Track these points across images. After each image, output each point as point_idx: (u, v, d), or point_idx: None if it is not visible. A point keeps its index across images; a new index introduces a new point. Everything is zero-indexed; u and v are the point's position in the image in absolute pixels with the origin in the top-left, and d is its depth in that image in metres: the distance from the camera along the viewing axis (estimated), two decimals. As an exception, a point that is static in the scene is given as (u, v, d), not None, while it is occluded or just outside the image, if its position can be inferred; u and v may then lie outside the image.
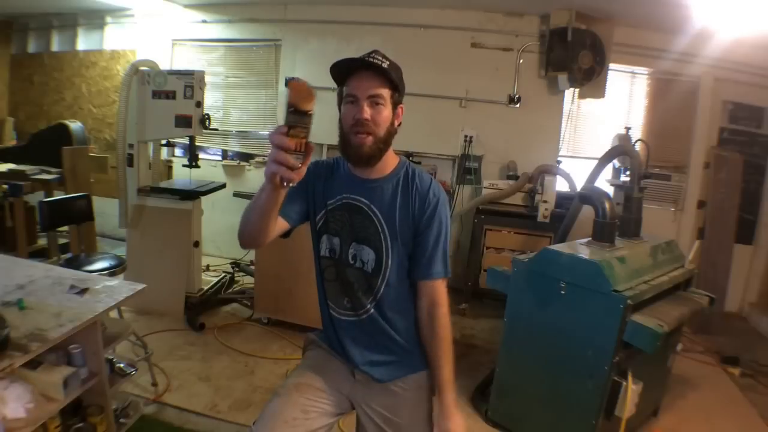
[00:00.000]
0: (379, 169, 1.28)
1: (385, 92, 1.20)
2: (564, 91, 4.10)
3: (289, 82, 1.01)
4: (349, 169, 1.31)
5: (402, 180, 1.30)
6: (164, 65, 4.18)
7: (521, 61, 4.12)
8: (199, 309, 3.44)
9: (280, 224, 1.24)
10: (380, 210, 1.27)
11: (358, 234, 1.29)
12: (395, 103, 1.24)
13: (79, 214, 3.04)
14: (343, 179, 1.32)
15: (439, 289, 1.29)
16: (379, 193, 1.28)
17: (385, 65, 1.19)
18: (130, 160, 3.42)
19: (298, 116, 0.89)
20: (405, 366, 1.36)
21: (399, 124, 1.27)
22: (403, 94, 1.26)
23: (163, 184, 3.74)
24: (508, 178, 4.01)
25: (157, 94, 3.30)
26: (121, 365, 1.96)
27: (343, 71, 1.22)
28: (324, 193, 1.32)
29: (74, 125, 4.46)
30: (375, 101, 1.19)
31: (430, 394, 1.38)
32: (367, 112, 1.18)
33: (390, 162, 1.31)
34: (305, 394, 1.31)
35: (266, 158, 3.84)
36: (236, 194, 4.27)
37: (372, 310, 1.31)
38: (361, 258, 1.29)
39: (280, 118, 4.52)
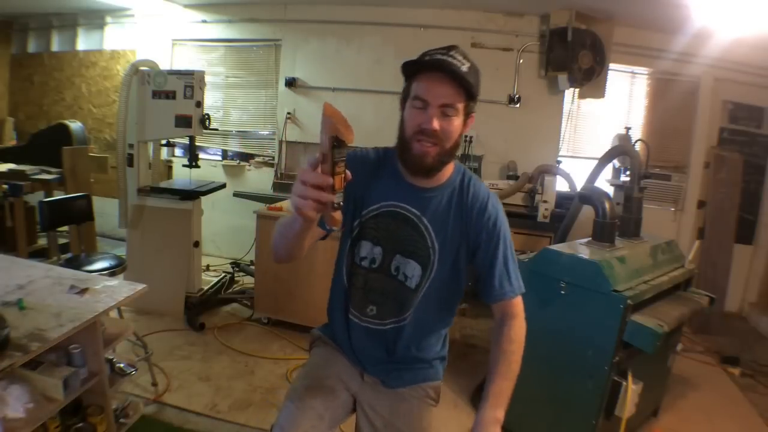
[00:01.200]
0: (435, 178, 1.16)
1: (460, 103, 1.06)
2: (564, 91, 4.10)
3: (327, 107, 0.84)
4: (399, 171, 1.18)
5: (457, 190, 1.18)
6: (164, 65, 4.19)
7: (521, 61, 4.12)
8: (199, 309, 3.44)
9: (317, 233, 1.12)
10: (432, 223, 1.16)
11: (405, 246, 1.17)
12: (468, 113, 1.10)
13: (79, 214, 3.04)
14: (390, 183, 1.18)
15: (513, 305, 1.21)
16: (433, 205, 1.16)
17: (464, 68, 1.03)
18: (130, 160, 3.42)
19: (341, 149, 0.81)
20: (421, 375, 1.31)
21: (466, 133, 1.16)
22: (477, 100, 1.11)
23: (163, 184, 3.74)
24: (508, 178, 4.01)
25: (157, 94, 3.30)
26: (121, 365, 1.95)
27: (411, 67, 1.08)
28: (367, 196, 1.19)
29: (74, 125, 4.46)
30: (446, 112, 1.05)
31: (435, 406, 1.33)
32: (437, 123, 1.04)
33: (448, 169, 1.18)
34: (317, 396, 1.24)
35: (267, 159, 3.80)
36: (236, 194, 4.27)
37: (401, 323, 1.22)
38: (404, 272, 1.19)
39: (280, 118, 4.52)
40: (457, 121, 1.07)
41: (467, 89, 1.04)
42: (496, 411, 1.07)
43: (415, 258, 1.17)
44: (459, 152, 4.18)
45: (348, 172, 0.85)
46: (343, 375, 1.31)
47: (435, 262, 1.17)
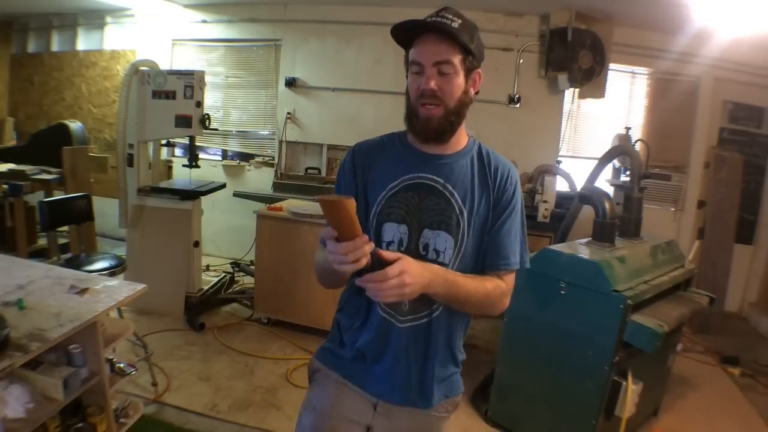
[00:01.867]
0: (452, 144, 1.12)
1: (455, 58, 1.02)
2: (564, 91, 4.10)
3: (321, 204, 0.85)
4: (412, 144, 1.14)
5: (476, 157, 1.14)
6: (164, 65, 4.19)
7: (521, 61, 4.12)
8: (199, 309, 3.44)
9: None
10: (458, 189, 1.09)
11: (432, 218, 1.08)
12: (469, 69, 1.06)
13: (79, 214, 3.04)
14: (405, 156, 1.13)
15: (511, 279, 1.14)
16: (455, 171, 1.10)
17: (455, 25, 1.01)
18: (130, 160, 3.42)
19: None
20: (450, 386, 1.20)
21: (477, 93, 1.11)
22: (480, 57, 1.08)
23: (163, 184, 3.74)
24: (508, 178, 4.00)
25: (157, 94, 3.30)
26: (121, 365, 1.95)
27: (405, 34, 1.05)
28: (381, 177, 1.12)
29: (74, 125, 4.46)
30: (443, 70, 1.02)
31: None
32: (433, 83, 1.02)
33: (462, 138, 1.14)
34: None
35: (267, 159, 3.82)
36: (236, 194, 4.27)
37: (436, 313, 1.10)
38: (435, 247, 1.08)
39: (280, 118, 4.52)
40: (457, 79, 1.04)
41: (461, 44, 1.02)
42: (435, 268, 1.00)
43: (445, 228, 1.08)
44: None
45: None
46: (353, 414, 1.17)
47: (465, 231, 1.09)
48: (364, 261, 0.86)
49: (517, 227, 1.14)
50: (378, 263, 0.88)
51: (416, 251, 1.08)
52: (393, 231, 1.09)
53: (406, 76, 1.09)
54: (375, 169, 1.13)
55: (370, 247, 0.86)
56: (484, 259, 1.12)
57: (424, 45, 1.03)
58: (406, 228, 1.09)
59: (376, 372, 1.13)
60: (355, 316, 1.16)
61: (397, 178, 1.10)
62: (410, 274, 0.91)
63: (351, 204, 0.81)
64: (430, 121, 1.05)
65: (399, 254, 0.93)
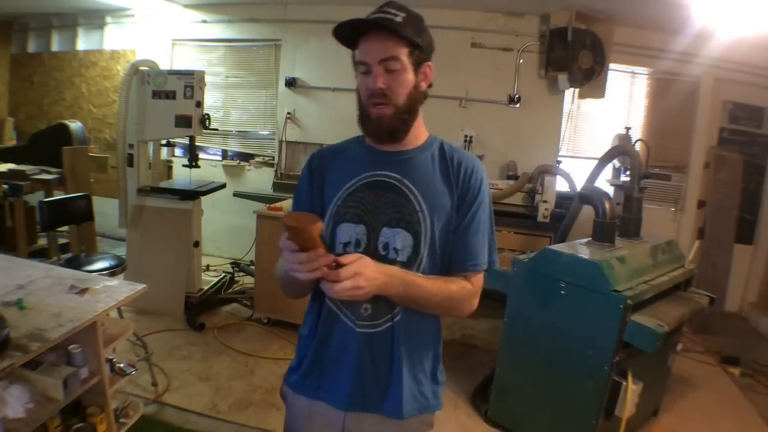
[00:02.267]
0: (408, 140, 1.09)
1: (402, 52, 0.99)
2: (564, 91, 4.10)
3: (285, 222, 0.84)
4: (368, 143, 1.12)
5: (438, 153, 1.10)
6: (164, 65, 4.18)
7: (521, 61, 4.12)
8: (199, 309, 3.44)
9: None
10: (416, 185, 1.05)
11: (390, 215, 1.04)
12: (417, 63, 1.02)
13: (79, 214, 3.04)
14: (362, 156, 1.11)
15: (479, 280, 1.09)
16: (413, 167, 1.07)
17: (399, 19, 0.98)
18: (130, 160, 3.42)
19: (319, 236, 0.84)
20: (418, 402, 1.09)
21: (429, 86, 1.07)
22: (429, 49, 1.05)
23: (163, 184, 3.74)
24: (508, 178, 4.01)
25: (157, 94, 3.30)
26: (121, 365, 1.95)
27: (350, 34, 1.03)
28: (338, 178, 1.09)
29: (74, 125, 4.46)
30: (389, 66, 0.99)
31: None
32: (380, 81, 0.99)
33: (421, 133, 1.11)
34: None
35: (267, 159, 3.80)
36: (236, 194, 4.28)
37: (397, 318, 1.05)
38: (394, 246, 1.03)
39: (280, 118, 4.52)
40: (406, 75, 1.01)
41: (406, 38, 0.99)
42: (391, 269, 0.97)
43: (404, 226, 1.03)
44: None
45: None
46: (325, 429, 1.12)
47: (428, 228, 1.04)
48: (318, 273, 0.85)
49: (484, 226, 1.08)
50: (336, 264, 0.88)
51: (375, 251, 1.04)
52: (350, 231, 1.06)
53: (356, 77, 1.07)
54: (332, 172, 1.11)
55: (327, 260, 0.85)
56: (450, 259, 1.08)
57: (368, 43, 1.01)
58: (364, 228, 1.05)
59: (338, 381, 1.08)
60: (314, 325, 1.12)
61: (353, 178, 1.08)
62: (365, 275, 0.89)
63: (316, 229, 0.82)
64: (382, 121, 1.02)
65: (356, 255, 0.92)
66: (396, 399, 1.06)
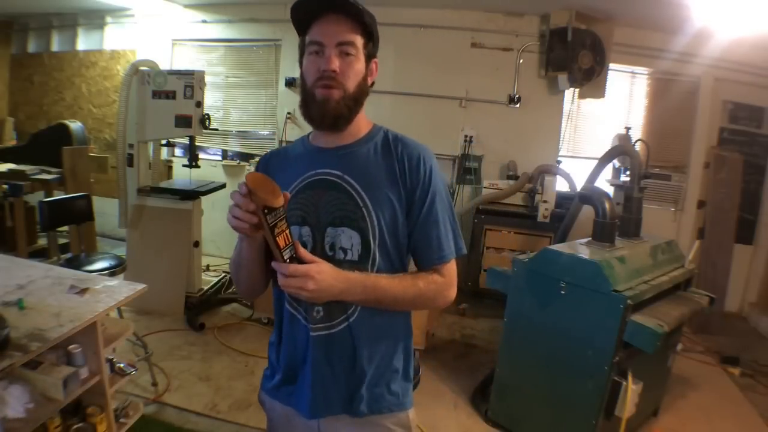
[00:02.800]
0: (349, 133, 1.06)
1: (358, 40, 0.99)
2: (564, 91, 4.10)
3: (248, 178, 0.87)
4: (311, 141, 1.11)
5: (381, 144, 1.06)
6: (164, 65, 4.18)
7: (521, 61, 4.12)
8: (199, 309, 3.44)
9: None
10: (358, 180, 1.01)
11: (333, 215, 1.00)
12: (369, 56, 1.02)
13: (79, 214, 3.04)
14: (304, 156, 1.09)
15: (450, 270, 1.05)
16: (354, 161, 1.03)
17: (359, 6, 0.97)
18: (130, 160, 3.42)
19: (274, 213, 0.84)
20: (387, 398, 1.06)
21: (372, 84, 1.06)
22: (377, 46, 1.05)
23: (163, 184, 3.74)
24: (508, 178, 4.01)
25: (157, 94, 3.30)
26: (121, 365, 1.95)
27: (305, 14, 0.99)
28: (284, 180, 1.04)
29: (74, 125, 4.46)
30: (345, 50, 0.97)
31: None
32: (335, 63, 0.96)
33: (363, 125, 1.08)
34: None
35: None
36: (236, 194, 4.27)
37: (353, 317, 1.01)
38: (341, 245, 1.00)
39: (280, 118, 4.52)
40: (358, 64, 0.99)
41: (363, 26, 0.98)
42: (350, 275, 0.95)
43: (348, 223, 1.00)
44: (459, 152, 4.20)
45: (289, 231, 0.87)
46: None
47: (375, 224, 0.99)
48: (245, 222, 0.88)
49: (444, 215, 1.04)
50: (295, 258, 0.89)
51: (322, 252, 1.00)
52: (296, 233, 1.01)
53: (300, 63, 1.04)
54: (278, 175, 1.05)
55: (251, 218, 0.86)
56: (415, 255, 1.06)
57: (326, 24, 0.97)
58: (309, 229, 1.02)
59: (302, 388, 1.05)
60: (279, 330, 1.10)
61: (296, 179, 1.05)
62: (315, 280, 0.88)
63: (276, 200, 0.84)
64: (327, 103, 0.99)
65: (315, 259, 0.91)
66: (362, 398, 1.03)
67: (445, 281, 1.04)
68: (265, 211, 0.83)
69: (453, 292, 1.06)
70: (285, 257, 0.87)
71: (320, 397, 1.03)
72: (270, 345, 1.15)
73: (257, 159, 5.06)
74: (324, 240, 1.01)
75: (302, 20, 1.01)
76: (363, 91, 1.02)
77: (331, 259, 0.98)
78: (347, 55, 0.98)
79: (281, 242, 0.86)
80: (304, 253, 0.91)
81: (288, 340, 1.07)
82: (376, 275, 0.99)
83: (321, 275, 0.90)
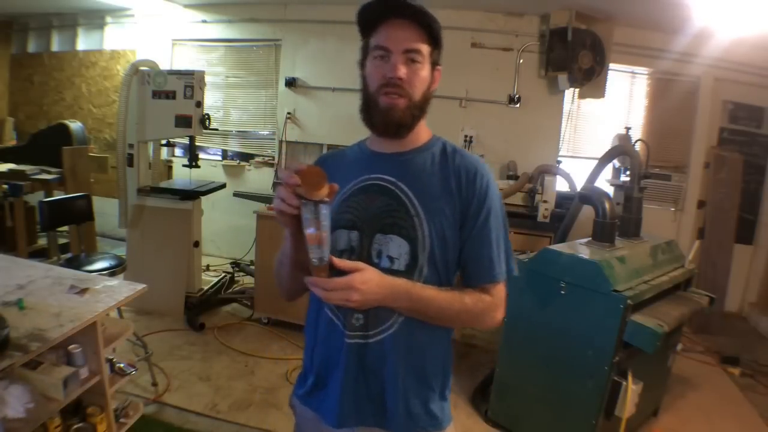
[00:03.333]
0: (409, 140, 1.03)
1: (425, 48, 0.96)
2: (564, 91, 4.09)
3: (305, 166, 0.87)
4: (367, 146, 1.08)
5: (439, 154, 1.03)
6: (164, 65, 4.18)
7: (521, 61, 4.11)
8: (199, 309, 3.44)
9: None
10: (412, 188, 0.98)
11: (383, 221, 0.97)
12: (434, 63, 1.00)
13: (79, 214, 3.04)
14: (359, 159, 1.07)
15: (500, 291, 1.01)
16: (410, 168, 1.01)
17: (428, 14, 0.95)
18: (130, 160, 3.42)
19: (308, 208, 0.82)
20: (423, 418, 1.02)
21: (433, 91, 1.03)
22: (441, 53, 1.01)
23: (163, 184, 3.74)
24: (508, 178, 4.01)
25: (157, 94, 3.30)
26: (121, 365, 1.95)
27: (371, 16, 0.97)
28: (338, 184, 1.00)
29: (74, 125, 4.46)
30: (412, 58, 0.95)
31: None
32: (402, 71, 0.94)
33: (422, 134, 1.05)
34: None
35: (267, 159, 3.78)
36: (236, 194, 4.27)
37: (392, 329, 0.97)
38: (388, 253, 0.97)
39: (280, 118, 4.52)
40: (424, 71, 0.97)
41: (431, 33, 0.96)
42: (397, 283, 0.92)
43: (398, 232, 0.96)
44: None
45: (326, 234, 0.84)
46: None
47: (425, 235, 0.96)
48: (287, 211, 0.85)
49: (497, 233, 1.00)
50: (336, 271, 0.85)
51: (369, 258, 0.97)
52: (345, 238, 1.00)
53: (362, 66, 1.01)
54: (332, 180, 1.03)
55: (292, 208, 0.85)
56: (465, 272, 1.02)
57: (393, 29, 0.95)
58: (357, 234, 0.99)
59: (330, 396, 1.02)
60: (314, 334, 1.07)
61: (349, 182, 1.03)
62: (361, 291, 0.86)
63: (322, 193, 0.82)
64: (393, 112, 0.96)
65: (358, 265, 0.88)
66: (398, 414, 1.00)
67: (494, 302, 1.00)
68: (303, 200, 0.82)
69: (501, 314, 1.02)
70: (312, 257, 0.84)
71: (350, 407, 1.00)
72: (305, 347, 1.12)
73: (257, 158, 5.03)
74: (371, 246, 0.98)
75: (368, 22, 0.98)
76: (427, 99, 1.00)
77: (376, 267, 0.95)
78: (413, 62, 0.96)
79: (311, 240, 0.83)
80: (339, 263, 0.87)
81: (323, 343, 1.04)
82: (422, 284, 0.96)
83: (366, 285, 0.87)
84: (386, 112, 0.97)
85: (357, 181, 1.03)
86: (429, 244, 0.97)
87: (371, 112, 0.99)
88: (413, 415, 1.01)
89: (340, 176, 1.02)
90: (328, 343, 1.03)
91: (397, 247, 0.97)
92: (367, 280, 0.87)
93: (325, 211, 0.82)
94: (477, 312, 0.99)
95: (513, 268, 1.03)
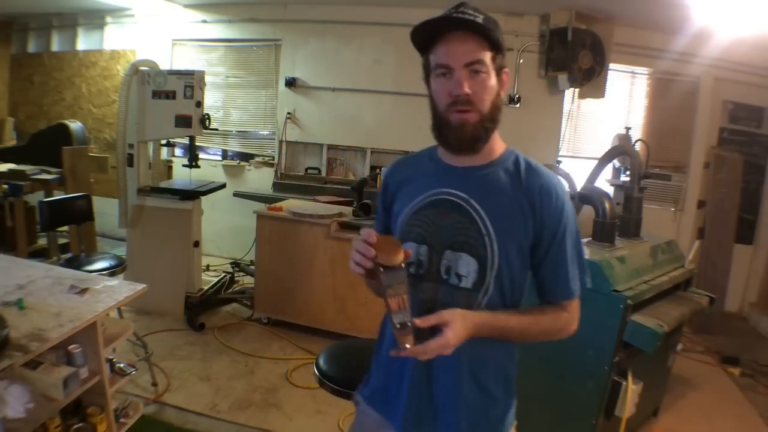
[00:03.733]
0: (482, 154, 1.00)
1: (487, 56, 0.93)
2: (564, 91, 4.10)
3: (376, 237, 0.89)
4: (440, 157, 1.05)
5: (513, 169, 1.00)
6: (164, 65, 4.18)
7: (521, 61, 4.11)
8: (199, 309, 3.44)
9: None
10: (484, 206, 0.97)
11: (454, 238, 0.97)
12: (499, 68, 0.96)
13: (79, 214, 3.04)
14: (430, 172, 1.04)
15: (576, 307, 1.04)
16: (483, 185, 0.99)
17: (479, 20, 0.91)
18: (130, 160, 3.42)
19: (388, 274, 0.85)
20: (483, 427, 1.05)
21: (504, 96, 1.01)
22: (505, 53, 0.98)
23: (163, 184, 3.74)
24: (508, 178, 4.00)
25: (157, 94, 3.30)
26: (121, 365, 1.95)
27: (426, 36, 0.95)
28: (407, 195, 1.05)
29: (74, 125, 4.46)
30: (475, 69, 0.92)
31: None
32: (467, 85, 0.92)
33: (496, 147, 1.02)
34: None
35: (267, 159, 3.80)
36: (236, 194, 4.27)
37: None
38: (457, 271, 0.98)
39: (280, 118, 4.53)
40: (490, 80, 0.94)
41: (490, 40, 0.92)
42: (480, 319, 0.94)
43: (468, 250, 0.96)
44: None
45: (407, 298, 0.86)
46: None
47: (495, 254, 0.96)
48: (364, 266, 0.88)
49: (573, 250, 1.01)
50: (407, 326, 0.86)
51: (437, 274, 0.99)
52: (414, 251, 1.00)
53: (427, 83, 1.00)
54: (403, 187, 1.07)
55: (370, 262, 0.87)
56: (541, 290, 1.04)
57: (451, 44, 0.93)
58: (426, 249, 1.00)
59: (398, 400, 1.06)
60: (383, 336, 1.13)
61: (419, 196, 1.02)
62: (453, 345, 0.88)
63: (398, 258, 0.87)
64: (465, 128, 0.94)
65: (442, 317, 0.88)
66: (457, 428, 1.02)
67: (570, 317, 1.04)
68: (381, 269, 0.85)
69: (576, 326, 1.06)
70: (395, 322, 0.85)
71: (414, 416, 1.03)
72: (375, 350, 1.16)
73: (257, 158, 5.03)
74: (440, 262, 0.99)
75: (424, 41, 0.97)
76: (498, 107, 0.98)
77: (444, 283, 0.98)
78: (478, 73, 0.93)
79: (393, 305, 0.85)
80: (423, 324, 0.88)
81: (387, 350, 1.05)
82: (505, 314, 0.98)
83: (457, 337, 0.88)
84: (458, 129, 0.95)
85: (428, 194, 1.02)
86: (497, 263, 0.97)
87: (443, 131, 0.98)
88: (473, 426, 1.03)
89: (411, 187, 1.05)
90: (387, 347, 1.05)
91: (466, 265, 0.97)
92: (457, 332, 0.89)
93: (403, 274, 0.86)
94: (554, 330, 1.03)
95: (586, 282, 1.04)
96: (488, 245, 0.96)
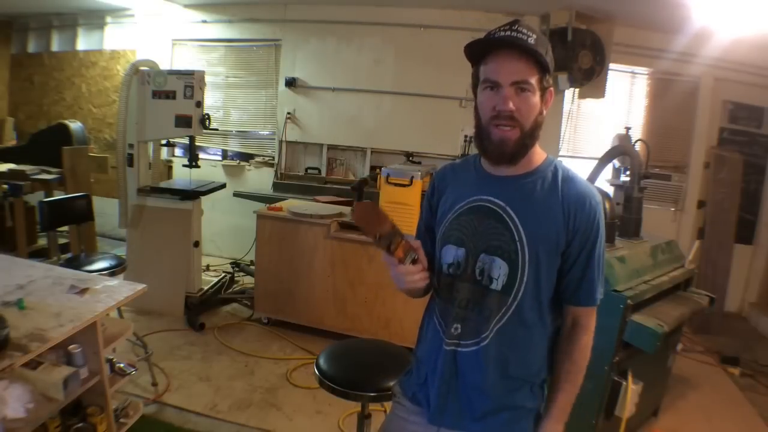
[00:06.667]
0: (521, 165, 1.05)
1: (533, 78, 0.98)
2: (564, 91, 4.09)
3: (357, 210, 1.01)
4: (481, 165, 1.11)
5: (550, 179, 1.05)
6: (164, 65, 4.18)
7: (521, 61, 4.11)
8: (199, 309, 3.44)
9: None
10: (518, 213, 1.03)
11: (489, 242, 1.04)
12: (544, 88, 1.01)
13: (79, 214, 3.04)
14: (473, 179, 1.11)
15: (593, 317, 1.12)
16: (518, 193, 1.05)
17: (531, 40, 0.96)
18: (130, 160, 3.42)
19: (386, 238, 0.95)
20: (508, 426, 1.08)
21: (546, 114, 1.06)
22: (552, 73, 1.03)
23: (163, 184, 3.74)
24: (508, 178, 4.01)
25: (157, 94, 3.30)
26: (121, 365, 1.95)
27: (479, 48, 1.01)
28: (450, 200, 1.12)
29: (74, 125, 4.46)
30: (521, 87, 0.97)
31: None
32: (512, 103, 0.97)
33: (535, 157, 1.07)
34: None
35: (267, 159, 3.81)
36: (236, 194, 4.27)
37: (485, 342, 1.05)
38: (489, 273, 1.04)
39: (280, 118, 4.53)
40: (534, 99, 0.99)
41: (539, 62, 0.97)
42: (558, 425, 1.07)
43: (501, 254, 1.03)
44: (459, 152, 4.20)
45: (407, 241, 0.98)
46: None
47: (525, 260, 1.02)
48: (415, 283, 1.03)
49: (600, 261, 1.07)
50: (417, 260, 1.01)
51: (472, 275, 1.06)
52: (452, 253, 1.08)
53: (474, 93, 1.05)
54: (448, 192, 1.14)
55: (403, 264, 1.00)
56: (566, 293, 1.08)
57: (501, 62, 0.98)
58: (464, 251, 1.07)
59: (431, 393, 1.11)
60: (422, 330, 1.20)
61: (461, 201, 1.09)
62: None
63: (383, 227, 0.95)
64: (505, 144, 1.00)
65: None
66: (480, 422, 1.07)
67: (590, 332, 1.12)
68: (376, 238, 0.94)
69: (591, 340, 1.13)
70: (406, 263, 0.99)
71: (441, 408, 1.09)
72: (417, 344, 1.23)
73: (257, 158, 5.03)
74: (476, 264, 1.06)
75: (476, 52, 1.02)
76: (539, 124, 1.03)
77: (478, 284, 1.05)
78: (523, 91, 0.98)
79: (400, 253, 0.97)
80: (424, 257, 1.02)
81: (429, 345, 1.14)
82: (560, 394, 1.08)
83: None
84: (499, 144, 1.01)
85: (469, 201, 1.08)
86: (528, 268, 1.03)
87: (484, 142, 1.04)
88: (497, 420, 1.07)
89: (455, 192, 1.13)
90: (432, 344, 1.13)
91: (498, 269, 1.04)
92: None
93: (396, 230, 0.96)
94: (586, 361, 1.11)
95: (602, 292, 1.11)
96: (519, 251, 1.02)
